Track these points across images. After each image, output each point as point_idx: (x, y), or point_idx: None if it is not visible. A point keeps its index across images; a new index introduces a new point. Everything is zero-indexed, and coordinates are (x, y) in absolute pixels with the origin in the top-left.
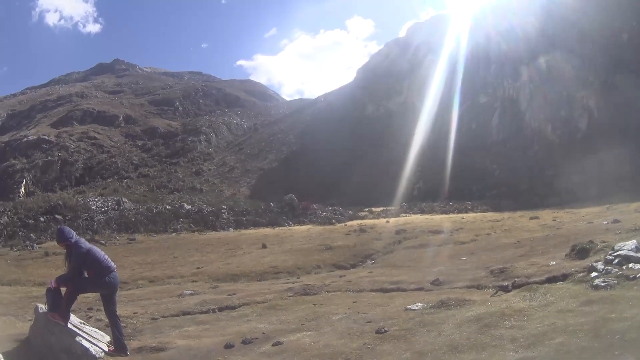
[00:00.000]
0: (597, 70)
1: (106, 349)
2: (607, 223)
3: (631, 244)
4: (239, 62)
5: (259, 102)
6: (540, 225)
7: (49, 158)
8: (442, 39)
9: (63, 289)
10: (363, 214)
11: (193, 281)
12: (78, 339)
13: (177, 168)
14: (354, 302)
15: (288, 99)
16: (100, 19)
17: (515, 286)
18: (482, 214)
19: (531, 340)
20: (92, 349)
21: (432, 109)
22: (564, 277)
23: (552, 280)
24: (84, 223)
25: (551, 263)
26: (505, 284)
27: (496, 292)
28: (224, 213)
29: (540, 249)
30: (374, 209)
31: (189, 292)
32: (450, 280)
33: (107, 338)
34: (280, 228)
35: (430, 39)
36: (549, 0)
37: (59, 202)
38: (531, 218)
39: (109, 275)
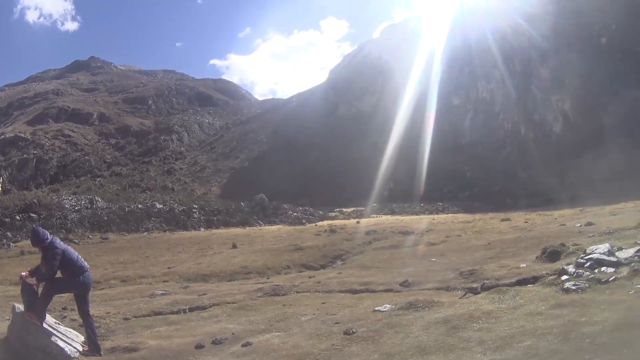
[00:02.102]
0: (573, 73)
1: (80, 348)
2: (580, 226)
3: (604, 247)
4: (212, 61)
5: (232, 101)
6: (511, 227)
7: (25, 156)
8: (416, 41)
9: (38, 287)
10: (333, 214)
11: (164, 281)
12: (54, 338)
13: (149, 167)
14: (322, 303)
15: (260, 98)
16: (79, 17)
17: (485, 288)
18: (453, 215)
19: (499, 342)
20: (67, 349)
21: (404, 111)
22: (534, 280)
23: (522, 282)
24: (57, 222)
25: (521, 265)
26: (474, 285)
27: (465, 294)
28: (195, 212)
29: (510, 251)
30: (344, 210)
31: (161, 292)
32: (420, 281)
33: (82, 338)
34: (251, 228)
35: (404, 40)
36: (526, 3)
37: (34, 200)
38: (502, 220)
39: (83, 275)
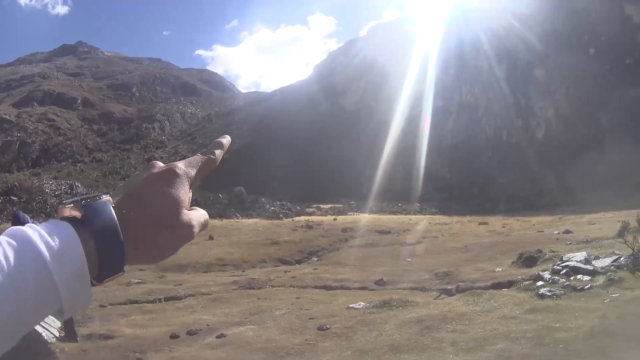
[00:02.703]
0: (559, 81)
1: (57, 334)
2: (558, 233)
3: (580, 255)
4: (198, 52)
5: (215, 92)
6: (488, 231)
7: (9, 138)
8: (402, 41)
9: None
10: (311, 210)
11: (140, 269)
12: None
13: (130, 154)
14: (297, 298)
15: (244, 91)
16: (69, 1)
17: (459, 290)
18: (430, 216)
19: (472, 344)
20: (45, 334)
21: (388, 110)
22: (509, 284)
23: (497, 286)
24: (37, 206)
25: (497, 269)
26: (449, 287)
27: (439, 295)
28: None
29: (487, 255)
30: (322, 206)
31: (137, 280)
32: (395, 280)
33: (58, 324)
34: (228, 220)
35: (391, 40)
36: (516, 9)
37: (15, 183)
38: (480, 223)
39: None
